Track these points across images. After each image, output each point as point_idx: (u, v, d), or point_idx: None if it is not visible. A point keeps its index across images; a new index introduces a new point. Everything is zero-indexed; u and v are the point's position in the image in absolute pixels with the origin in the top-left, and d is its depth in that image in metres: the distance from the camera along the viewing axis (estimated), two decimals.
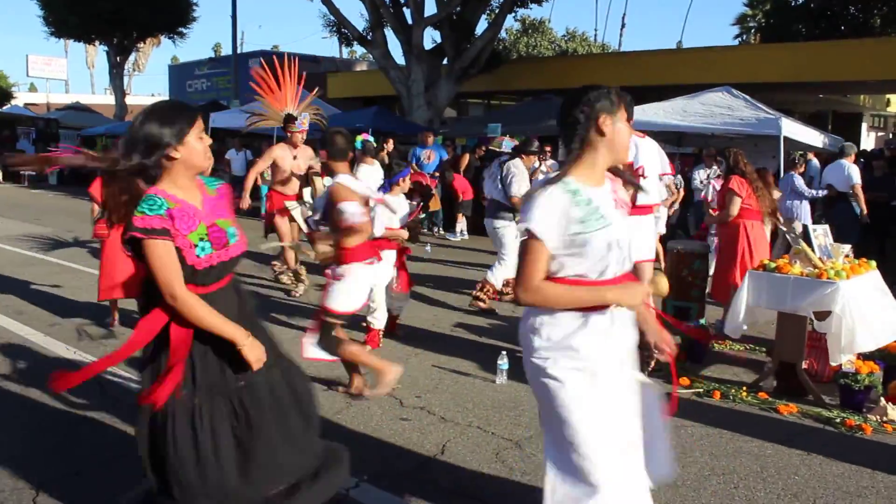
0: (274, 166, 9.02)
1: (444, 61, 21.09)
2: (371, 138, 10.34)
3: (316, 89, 8.70)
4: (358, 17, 54.98)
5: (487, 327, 7.68)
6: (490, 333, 7.40)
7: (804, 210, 11.38)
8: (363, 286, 5.30)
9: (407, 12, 20.84)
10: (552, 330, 2.73)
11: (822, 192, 11.64)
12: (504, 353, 5.95)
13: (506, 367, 5.83)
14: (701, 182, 11.95)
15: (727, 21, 69.36)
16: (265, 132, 19.72)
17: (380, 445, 4.61)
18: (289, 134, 9.04)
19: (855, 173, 11.26)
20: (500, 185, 8.23)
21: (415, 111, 20.32)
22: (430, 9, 20.83)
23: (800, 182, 11.45)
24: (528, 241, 2.66)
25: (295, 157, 9.03)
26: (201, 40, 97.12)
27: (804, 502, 4.06)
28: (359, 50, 33.94)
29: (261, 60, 25.97)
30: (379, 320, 6.60)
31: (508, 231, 8.22)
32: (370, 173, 8.60)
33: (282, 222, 9.01)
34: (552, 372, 2.72)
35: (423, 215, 14.70)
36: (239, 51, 29.38)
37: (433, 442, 4.69)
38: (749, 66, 18.98)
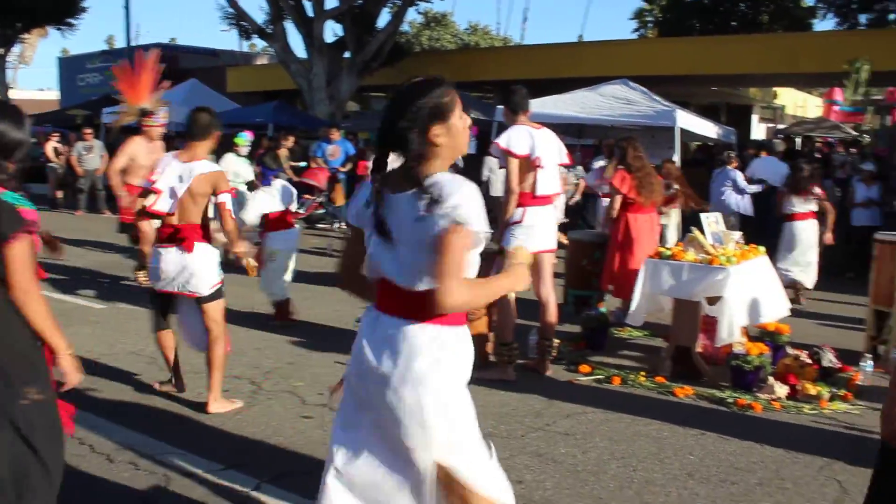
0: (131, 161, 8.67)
1: (346, 55, 20.89)
2: (247, 136, 10.19)
3: (168, 83, 8.42)
4: (258, 9, 54.12)
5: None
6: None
7: (745, 204, 11.60)
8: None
9: (308, 5, 20.53)
10: None
11: (760, 187, 11.92)
12: None
13: None
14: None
15: (626, 15, 71.02)
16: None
17: (282, 445, 4.52)
18: (145, 128, 8.70)
19: (786, 167, 11.60)
20: None
21: (317, 105, 20.07)
22: (332, 2, 20.60)
23: (740, 177, 11.64)
24: (463, 236, 2.32)
25: (152, 152, 8.71)
26: (93, 32, 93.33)
27: (699, 480, 4.18)
28: (259, 43, 33.24)
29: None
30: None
31: None
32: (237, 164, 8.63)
33: (145, 223, 8.63)
34: None
35: (322, 210, 14.58)
36: (134, 43, 28.34)
37: None
38: (647, 59, 19.49)
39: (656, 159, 12.92)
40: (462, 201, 2.30)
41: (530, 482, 4.07)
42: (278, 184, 7.50)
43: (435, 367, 2.39)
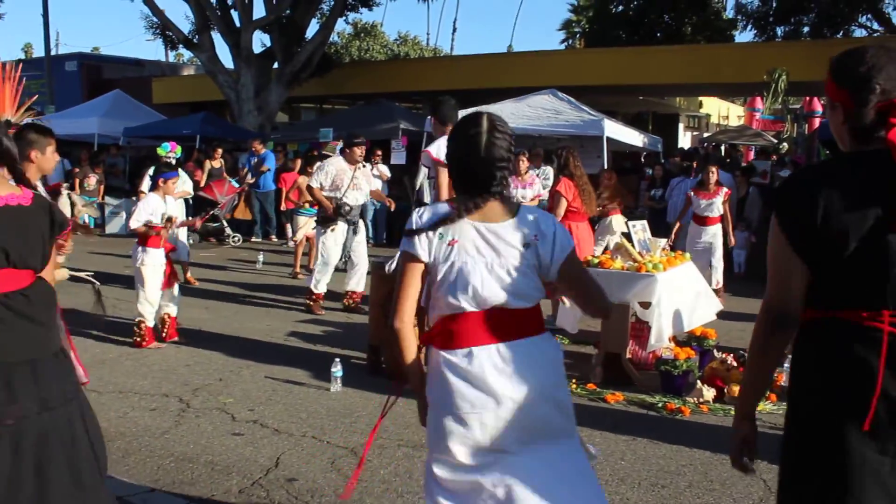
0: None
1: (275, 65, 20.68)
2: (168, 146, 9.98)
3: (35, 96, 8.15)
4: (183, 19, 53.21)
5: (321, 335, 7.57)
6: (324, 341, 7.28)
7: None
8: None
9: (235, 15, 20.25)
10: None
11: None
12: (337, 360, 5.86)
13: (340, 374, 5.76)
14: None
15: (554, 26, 72.04)
16: (85, 140, 18.69)
17: (211, 463, 4.42)
18: None
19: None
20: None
21: (245, 117, 19.78)
22: (259, 11, 20.36)
23: None
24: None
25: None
26: (8, 40, 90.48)
27: (630, 486, 4.22)
28: (186, 53, 32.68)
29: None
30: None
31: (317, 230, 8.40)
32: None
33: None
34: None
35: (216, 224, 14.41)
36: (54, 53, 27.60)
37: (267, 455, 4.55)
38: (575, 69, 19.76)
39: (593, 169, 13.21)
40: (562, 230, 2.61)
41: None
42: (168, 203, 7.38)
43: (559, 365, 2.62)
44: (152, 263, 6.84)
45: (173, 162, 9.91)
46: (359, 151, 8.37)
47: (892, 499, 1.99)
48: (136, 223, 6.89)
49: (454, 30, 52.69)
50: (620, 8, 28.46)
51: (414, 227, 2.54)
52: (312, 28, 21.56)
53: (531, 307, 2.54)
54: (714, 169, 9.51)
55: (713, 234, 9.32)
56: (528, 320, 2.53)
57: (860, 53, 2.05)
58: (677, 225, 9.83)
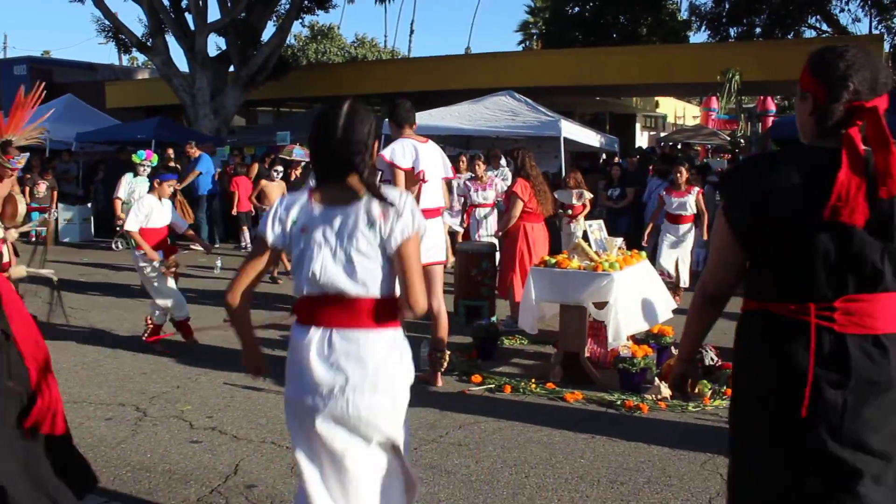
0: None
1: (231, 68, 20.50)
2: (143, 154, 9.82)
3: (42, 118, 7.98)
4: (136, 22, 52.45)
5: (280, 339, 7.49)
6: (283, 346, 7.17)
7: None
8: None
9: (189, 18, 20.05)
10: None
11: None
12: None
13: None
14: None
15: (512, 28, 72.37)
16: (35, 146, 18.31)
17: (169, 472, 4.37)
18: None
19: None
20: None
21: (201, 121, 19.59)
22: (214, 14, 20.18)
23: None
24: (418, 243, 2.65)
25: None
26: None
27: (589, 483, 4.26)
28: (140, 57, 32.23)
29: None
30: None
31: None
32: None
33: None
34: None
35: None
36: (1, 56, 27.07)
37: (225, 462, 4.50)
38: (532, 70, 19.87)
39: (551, 169, 13.30)
40: (416, 211, 2.54)
41: (424, 495, 4.05)
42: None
43: (398, 368, 2.62)
44: (154, 265, 6.91)
45: (149, 171, 9.76)
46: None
47: (823, 478, 2.08)
48: (131, 225, 6.88)
49: (412, 32, 52.33)
50: (577, 9, 28.68)
51: (272, 212, 2.63)
52: (268, 31, 21.47)
53: (374, 298, 2.54)
54: (683, 168, 9.58)
55: (685, 233, 9.39)
56: (369, 311, 2.54)
57: (842, 51, 2.13)
58: (650, 226, 9.91)
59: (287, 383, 2.68)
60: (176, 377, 6.19)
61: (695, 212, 9.41)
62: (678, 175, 9.45)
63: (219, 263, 11.76)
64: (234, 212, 14.06)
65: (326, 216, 2.54)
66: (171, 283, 7.02)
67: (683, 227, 9.37)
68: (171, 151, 14.87)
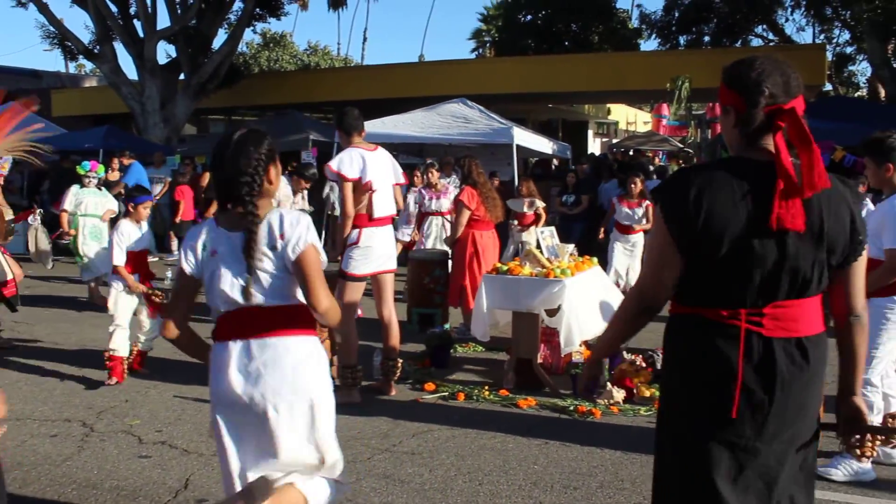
0: None
1: (181, 76, 20.24)
2: (88, 165, 9.58)
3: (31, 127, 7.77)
4: (83, 28, 51.46)
5: None
6: None
7: None
8: None
9: (138, 25, 19.74)
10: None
11: None
12: None
13: None
14: None
15: (465, 35, 72.66)
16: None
17: (117, 489, 4.28)
18: None
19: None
20: None
21: (151, 129, 19.29)
22: (163, 21, 19.90)
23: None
24: (317, 254, 2.76)
25: None
26: None
27: (543, 489, 4.27)
28: (87, 64, 31.66)
29: None
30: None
31: None
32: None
33: None
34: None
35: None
36: None
37: (175, 477, 4.43)
38: (485, 78, 19.98)
39: (504, 176, 13.35)
40: (309, 225, 2.74)
41: None
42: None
43: (318, 370, 2.78)
44: (126, 292, 6.47)
45: (95, 182, 9.52)
46: (304, 184, 8.49)
47: (745, 476, 2.21)
48: (118, 260, 6.40)
49: (365, 39, 52.39)
50: (529, 17, 28.89)
51: (185, 243, 2.85)
52: (220, 38, 21.22)
53: (287, 305, 2.76)
54: (638, 179, 9.56)
55: (634, 244, 9.44)
56: (283, 319, 2.75)
57: (750, 61, 2.22)
58: (601, 233, 9.97)
59: (212, 397, 2.82)
60: (124, 391, 6.08)
61: (643, 224, 9.42)
62: (632, 186, 9.47)
63: (169, 275, 11.56)
64: (176, 220, 13.92)
65: (231, 239, 2.73)
66: (143, 315, 6.61)
67: (632, 238, 9.42)
68: (116, 162, 14.57)
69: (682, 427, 2.28)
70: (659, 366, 6.17)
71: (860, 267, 2.29)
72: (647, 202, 9.59)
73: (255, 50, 39.71)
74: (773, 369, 2.15)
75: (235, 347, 2.73)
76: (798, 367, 2.17)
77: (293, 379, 2.71)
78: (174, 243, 14.39)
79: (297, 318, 2.77)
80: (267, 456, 2.75)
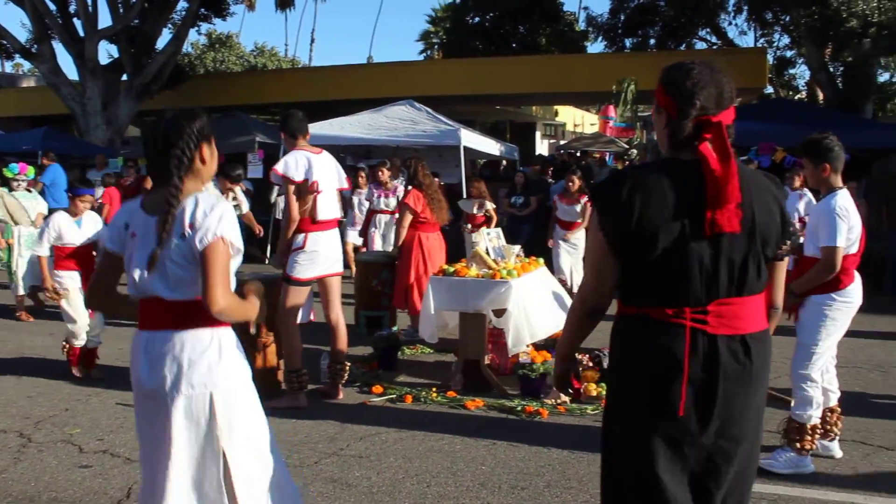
0: None
1: (124, 77, 19.87)
2: (17, 167, 9.32)
3: None
4: (20, 27, 50.13)
5: None
6: None
7: None
8: None
9: (78, 24, 19.31)
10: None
11: None
12: None
13: None
14: None
15: (413, 37, 72.71)
16: None
17: (55, 500, 4.16)
18: None
19: None
20: None
21: (92, 131, 18.90)
22: (105, 21, 19.52)
23: None
24: (226, 248, 2.60)
25: None
26: None
27: (491, 490, 4.27)
28: (25, 63, 30.89)
29: None
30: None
31: None
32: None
33: None
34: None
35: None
36: None
37: (117, 486, 4.33)
38: (433, 79, 20.03)
39: (452, 178, 13.37)
40: (223, 216, 2.58)
41: None
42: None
43: (218, 361, 2.63)
44: (72, 287, 6.49)
45: (24, 185, 9.28)
46: (231, 185, 8.38)
47: (691, 472, 2.26)
48: (42, 251, 6.46)
49: (312, 41, 52.22)
50: (477, 19, 29.00)
51: (112, 219, 2.76)
52: (164, 39, 20.90)
53: (187, 300, 2.60)
54: (575, 177, 9.81)
55: (577, 239, 9.62)
56: (183, 313, 2.61)
57: (688, 69, 2.26)
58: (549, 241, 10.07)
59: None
60: (64, 399, 5.93)
61: (583, 220, 9.64)
62: (570, 184, 9.70)
63: None
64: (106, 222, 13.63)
65: (147, 222, 2.63)
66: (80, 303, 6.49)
67: (574, 234, 9.61)
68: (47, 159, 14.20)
69: (629, 424, 2.32)
70: (606, 365, 6.23)
71: (783, 265, 2.44)
72: (586, 198, 9.78)
73: (201, 50, 39.22)
74: (716, 366, 2.20)
75: (142, 338, 2.67)
76: (741, 365, 2.22)
77: (190, 374, 2.58)
78: None
79: (199, 312, 2.58)
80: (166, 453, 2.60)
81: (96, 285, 2.82)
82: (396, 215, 10.02)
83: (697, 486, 2.27)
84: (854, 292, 4.51)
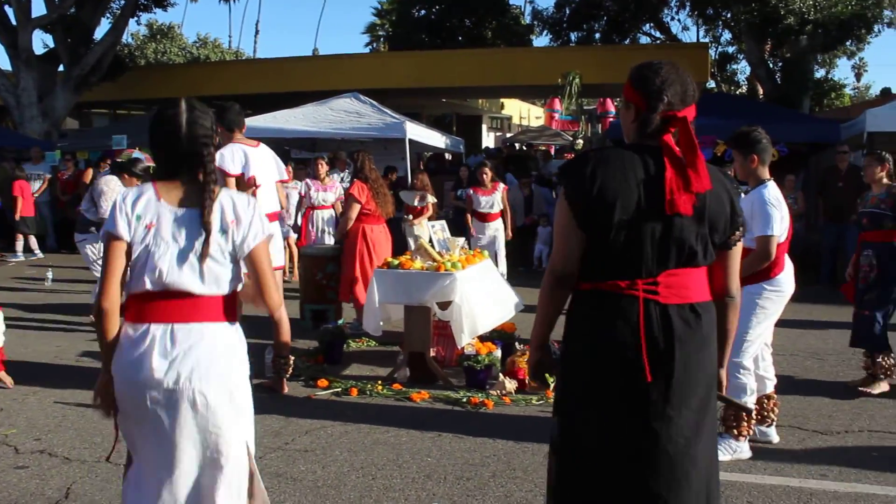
0: None
1: (61, 67, 19.34)
2: None
3: None
4: None
5: None
6: None
7: None
8: None
9: (10, 11, 18.69)
10: None
11: None
12: None
13: None
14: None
15: (359, 29, 72.33)
16: None
17: None
18: None
19: None
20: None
21: (28, 123, 18.35)
22: (39, 9, 18.95)
23: None
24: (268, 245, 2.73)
25: None
26: None
27: (436, 481, 4.29)
28: None
29: None
30: None
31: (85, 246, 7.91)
32: None
33: None
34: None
35: None
36: None
37: (55, 487, 4.23)
38: (379, 72, 19.92)
39: (398, 171, 13.34)
40: (261, 213, 2.65)
41: None
42: None
43: (244, 359, 2.68)
44: None
45: None
46: (134, 181, 8.29)
47: (655, 436, 2.35)
48: None
49: (257, 32, 51.61)
50: (423, 12, 28.94)
51: (116, 207, 2.58)
52: (102, 29, 20.39)
53: (220, 295, 2.60)
54: (487, 168, 9.97)
55: (495, 229, 9.74)
56: (214, 307, 2.59)
57: (656, 68, 2.46)
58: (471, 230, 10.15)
59: (120, 380, 2.59)
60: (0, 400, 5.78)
61: (501, 208, 9.77)
62: (483, 175, 9.79)
63: (49, 275, 11.09)
64: (17, 216, 13.34)
65: (176, 216, 2.55)
66: None
67: (493, 224, 9.76)
68: None
69: (586, 400, 2.42)
70: (552, 355, 6.28)
71: (736, 253, 2.56)
72: (502, 186, 10.05)
73: (141, 41, 38.41)
74: (671, 333, 2.34)
75: (157, 330, 2.53)
76: (693, 330, 2.37)
77: (219, 366, 2.57)
78: (19, 243, 13.70)
79: (228, 306, 2.62)
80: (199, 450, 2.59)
81: (117, 278, 2.57)
82: (333, 211, 10.03)
83: (664, 461, 2.34)
84: (785, 281, 4.63)
